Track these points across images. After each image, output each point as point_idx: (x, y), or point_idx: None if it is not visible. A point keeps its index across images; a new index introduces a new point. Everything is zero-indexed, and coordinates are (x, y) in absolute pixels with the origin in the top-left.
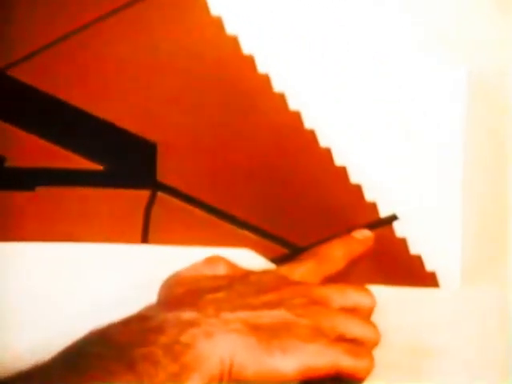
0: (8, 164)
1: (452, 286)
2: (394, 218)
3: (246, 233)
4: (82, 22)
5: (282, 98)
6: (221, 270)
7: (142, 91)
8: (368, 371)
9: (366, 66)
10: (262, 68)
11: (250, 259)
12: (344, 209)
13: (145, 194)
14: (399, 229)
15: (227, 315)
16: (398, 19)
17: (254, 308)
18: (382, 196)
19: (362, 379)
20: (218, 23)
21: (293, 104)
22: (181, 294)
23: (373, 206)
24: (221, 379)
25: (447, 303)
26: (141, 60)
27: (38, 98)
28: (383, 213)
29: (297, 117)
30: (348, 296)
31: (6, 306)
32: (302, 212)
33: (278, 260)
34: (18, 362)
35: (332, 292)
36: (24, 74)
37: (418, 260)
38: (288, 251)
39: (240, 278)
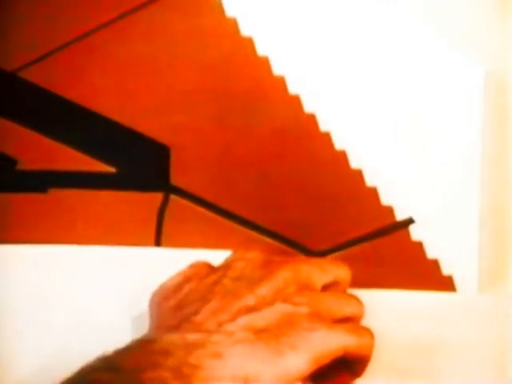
0: (20, 166)
1: (469, 291)
2: (410, 221)
3: (260, 236)
4: (95, 23)
5: (297, 100)
6: (202, 270)
7: (156, 94)
8: (372, 346)
9: (383, 67)
10: (277, 70)
11: None
12: (359, 212)
13: (158, 196)
14: (415, 232)
15: (229, 327)
16: (415, 19)
17: (252, 309)
18: (398, 199)
19: (368, 356)
20: (233, 25)
21: (308, 106)
22: (170, 308)
23: (389, 210)
24: None
25: (464, 308)
26: (155, 62)
27: (51, 100)
28: (399, 216)
29: (312, 119)
30: (328, 272)
31: (13, 308)
32: (317, 215)
33: None
34: (20, 365)
35: (314, 269)
36: (36, 76)
37: (434, 264)
38: (303, 255)
39: (224, 270)
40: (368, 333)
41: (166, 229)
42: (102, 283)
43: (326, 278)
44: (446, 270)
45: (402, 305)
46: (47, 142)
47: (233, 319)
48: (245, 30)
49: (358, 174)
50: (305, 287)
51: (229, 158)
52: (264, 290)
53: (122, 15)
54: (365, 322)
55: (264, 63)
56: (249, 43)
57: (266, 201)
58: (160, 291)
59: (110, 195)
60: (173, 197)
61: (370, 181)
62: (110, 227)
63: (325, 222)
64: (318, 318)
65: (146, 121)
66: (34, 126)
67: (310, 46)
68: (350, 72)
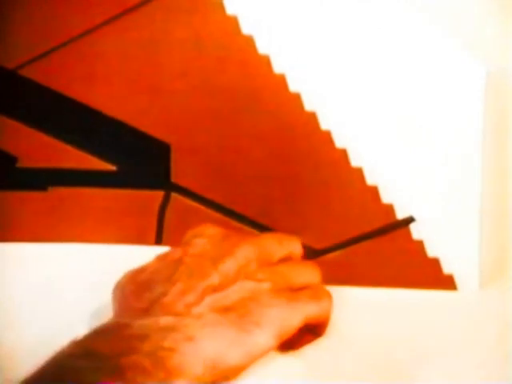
0: (20, 164)
1: (470, 289)
2: (410, 220)
3: (260, 234)
4: (96, 21)
5: (297, 98)
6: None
7: (156, 91)
8: (331, 308)
9: (384, 66)
10: (277, 68)
11: None
12: (360, 211)
13: (159, 194)
14: (416, 231)
15: (197, 309)
16: (417, 19)
17: (217, 288)
18: (399, 198)
19: (327, 318)
20: (233, 23)
21: (309, 105)
22: (134, 290)
23: (389, 208)
24: (208, 379)
25: (465, 306)
26: (155, 60)
27: (51, 97)
28: (400, 215)
29: (313, 118)
30: (284, 245)
31: (14, 307)
32: (318, 214)
33: None
34: (22, 363)
35: (272, 244)
36: (37, 74)
37: (435, 263)
38: (304, 254)
39: (185, 248)
40: (326, 295)
41: (166, 227)
42: (103, 281)
43: (283, 251)
44: (446, 269)
45: (403, 303)
46: (48, 140)
47: (199, 300)
48: (245, 28)
49: (359, 173)
50: (265, 262)
51: (230, 155)
52: (227, 267)
53: (122, 13)
54: (367, 320)
55: (265, 61)
56: (249, 41)
57: (267, 199)
58: (121, 278)
59: (110, 193)
60: (174, 195)
61: (370, 179)
62: (110, 225)
63: (326, 221)
64: (280, 291)
65: (147, 119)
66: (34, 124)
67: (311, 44)
68: (351, 70)
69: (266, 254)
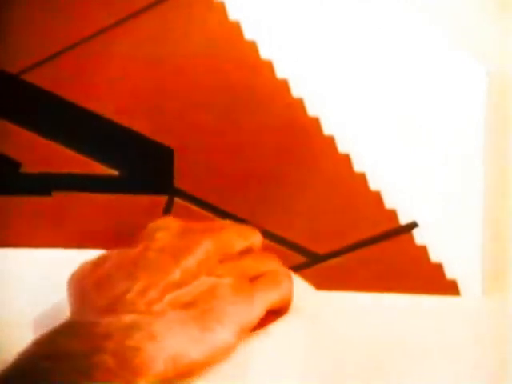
0: (24, 169)
1: (473, 295)
2: (413, 225)
3: (264, 240)
4: (98, 26)
5: (300, 102)
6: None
7: (159, 96)
8: (291, 289)
9: (386, 70)
10: (280, 73)
11: None
12: (363, 216)
13: (162, 199)
14: (419, 236)
15: (159, 306)
16: (417, 21)
17: (178, 284)
18: (402, 203)
19: (289, 300)
20: (236, 28)
21: (311, 109)
22: (92, 286)
23: (392, 213)
24: (171, 375)
25: (468, 312)
26: (158, 65)
27: (54, 102)
28: (403, 220)
29: (315, 122)
30: (245, 237)
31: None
32: (321, 219)
33: (297, 268)
34: None
35: (232, 237)
36: (39, 79)
37: (438, 268)
38: (307, 259)
39: (146, 242)
40: (284, 277)
41: None
42: None
43: (243, 243)
44: (449, 274)
45: (406, 309)
46: (51, 145)
47: (161, 297)
48: (248, 34)
49: (362, 178)
50: (225, 255)
51: (233, 160)
52: (188, 263)
53: (125, 18)
54: (368, 325)
55: (267, 66)
56: (252, 46)
57: (270, 204)
58: (77, 271)
59: (113, 198)
60: (177, 200)
61: (373, 184)
62: (113, 230)
63: (329, 226)
64: (241, 285)
65: (150, 123)
66: (37, 129)
67: (313, 49)
68: (354, 75)
69: (227, 248)
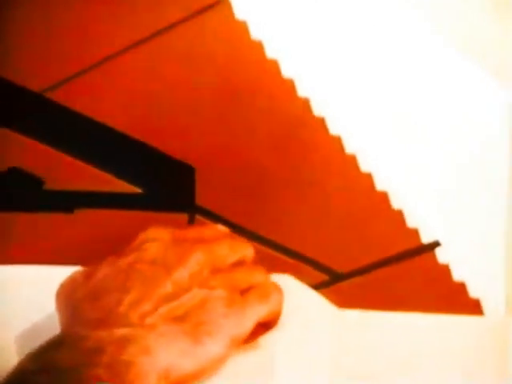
0: (47, 186)
1: (496, 314)
2: (436, 244)
3: (286, 258)
4: (122, 45)
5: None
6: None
7: (181, 115)
8: (281, 303)
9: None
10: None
11: (289, 285)
12: (385, 235)
13: (183, 217)
14: (442, 255)
15: (151, 319)
16: (447, 39)
17: (171, 297)
18: (424, 222)
19: (279, 314)
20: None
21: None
22: (83, 298)
23: (415, 232)
24: None
25: (492, 331)
26: (179, 84)
27: (77, 120)
28: (425, 239)
29: (337, 141)
30: (236, 250)
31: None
32: (343, 238)
33: (318, 286)
34: None
35: (224, 249)
36: (63, 97)
37: (461, 287)
38: (328, 277)
39: (137, 253)
40: (274, 291)
41: None
42: None
43: (235, 256)
44: (472, 293)
45: (429, 328)
46: (74, 163)
47: (154, 310)
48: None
49: (384, 197)
50: (217, 268)
51: (255, 179)
52: (179, 275)
53: (147, 38)
54: (391, 345)
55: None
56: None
57: (292, 222)
58: (66, 282)
59: (135, 216)
60: (198, 217)
61: (396, 204)
62: None
63: (351, 244)
64: (232, 298)
65: (172, 142)
66: (61, 147)
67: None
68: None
69: (218, 260)
